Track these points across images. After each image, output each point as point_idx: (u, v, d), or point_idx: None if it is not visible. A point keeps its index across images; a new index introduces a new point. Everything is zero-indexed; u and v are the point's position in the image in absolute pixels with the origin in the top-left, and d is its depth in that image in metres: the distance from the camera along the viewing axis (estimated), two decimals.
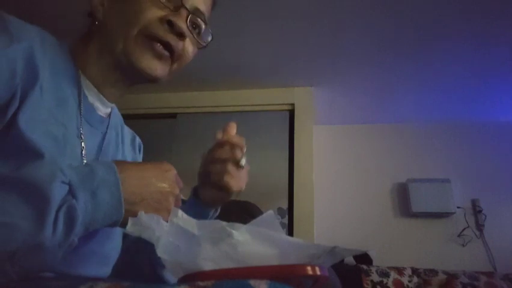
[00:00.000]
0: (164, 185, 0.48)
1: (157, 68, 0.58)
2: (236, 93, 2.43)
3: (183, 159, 2.02)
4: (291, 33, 1.89)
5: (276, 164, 2.22)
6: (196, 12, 0.61)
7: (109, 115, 0.66)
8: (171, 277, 0.65)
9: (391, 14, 1.70)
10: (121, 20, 0.57)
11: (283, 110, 2.37)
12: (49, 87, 0.50)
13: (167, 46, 0.58)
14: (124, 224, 0.42)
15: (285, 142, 2.28)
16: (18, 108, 0.45)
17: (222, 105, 2.43)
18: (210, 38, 0.65)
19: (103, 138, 0.63)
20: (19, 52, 0.47)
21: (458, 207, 2.38)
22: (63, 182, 0.39)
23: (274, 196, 2.14)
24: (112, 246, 0.61)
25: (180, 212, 0.41)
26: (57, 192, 0.38)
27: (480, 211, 2.38)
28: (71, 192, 0.40)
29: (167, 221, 0.43)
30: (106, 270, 0.60)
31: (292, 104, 2.35)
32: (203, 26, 0.63)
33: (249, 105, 2.40)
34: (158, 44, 0.57)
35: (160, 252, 0.37)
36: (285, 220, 2.09)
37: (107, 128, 0.64)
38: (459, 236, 2.35)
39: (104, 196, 0.42)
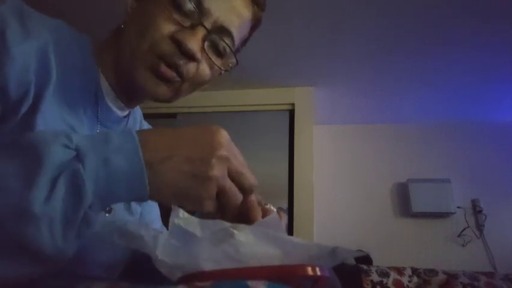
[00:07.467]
0: (208, 150, 0.38)
1: (159, 89, 0.52)
2: (236, 93, 2.43)
3: None
4: (291, 33, 1.88)
5: (276, 164, 2.21)
6: (220, 31, 0.54)
7: (128, 113, 0.63)
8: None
9: (391, 14, 1.70)
10: (136, 30, 0.52)
11: (283, 110, 2.37)
12: (61, 87, 0.48)
13: (175, 67, 0.51)
14: (155, 197, 0.37)
15: (285, 142, 2.27)
16: (35, 108, 0.44)
17: (222, 105, 2.43)
18: (233, 63, 0.57)
19: None
20: (34, 49, 0.45)
21: (458, 207, 2.37)
22: (66, 146, 0.34)
23: (274, 196, 2.14)
24: (117, 255, 0.59)
25: (181, 212, 0.40)
26: (56, 156, 0.33)
27: (480, 211, 2.37)
28: (78, 158, 0.34)
29: (204, 212, 0.39)
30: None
31: (293, 104, 2.35)
32: (226, 49, 0.55)
33: (249, 105, 2.40)
34: (163, 66, 0.50)
35: (160, 254, 0.36)
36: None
37: (126, 127, 0.61)
38: (459, 236, 2.34)
39: (120, 163, 0.35)
